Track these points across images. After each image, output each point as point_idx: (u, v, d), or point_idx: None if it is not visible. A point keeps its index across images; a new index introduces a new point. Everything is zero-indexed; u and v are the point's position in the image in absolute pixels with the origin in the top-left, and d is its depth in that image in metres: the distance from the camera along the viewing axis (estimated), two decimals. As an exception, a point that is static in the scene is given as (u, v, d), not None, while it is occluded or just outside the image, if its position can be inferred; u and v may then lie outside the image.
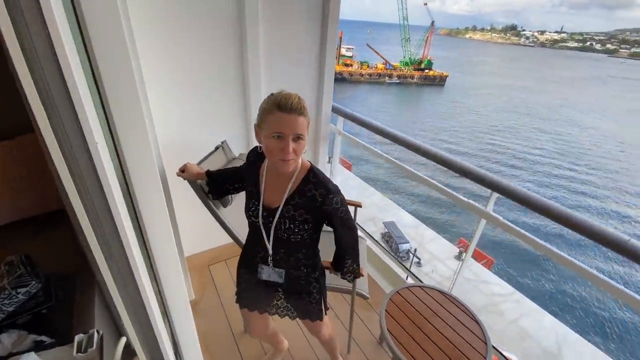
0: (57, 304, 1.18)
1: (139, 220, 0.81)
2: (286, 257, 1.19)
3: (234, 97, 2.12)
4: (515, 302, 7.97)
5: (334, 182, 1.12)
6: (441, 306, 1.71)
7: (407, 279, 2.68)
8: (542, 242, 1.61)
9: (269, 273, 1.22)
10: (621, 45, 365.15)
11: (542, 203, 1.51)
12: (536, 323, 7.37)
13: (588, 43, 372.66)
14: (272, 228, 1.12)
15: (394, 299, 1.73)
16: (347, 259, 1.25)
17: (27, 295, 1.14)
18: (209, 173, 1.41)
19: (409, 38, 51.04)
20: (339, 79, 46.58)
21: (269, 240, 1.15)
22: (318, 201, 1.07)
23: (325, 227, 1.20)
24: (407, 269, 2.62)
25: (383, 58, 53.97)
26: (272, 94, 1.01)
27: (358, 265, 1.29)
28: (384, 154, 2.55)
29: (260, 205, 1.13)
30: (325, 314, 1.38)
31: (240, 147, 2.26)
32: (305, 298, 1.29)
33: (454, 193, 2.03)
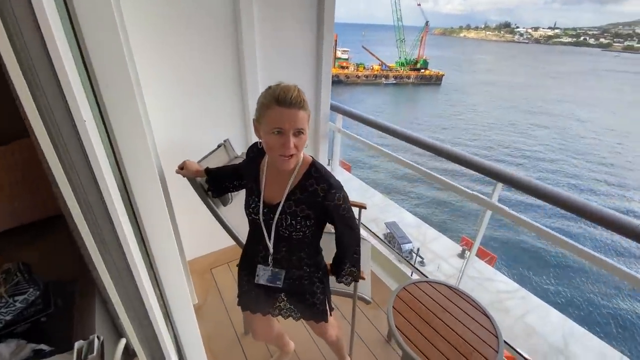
0: (57, 312, 1.15)
1: (137, 220, 0.78)
2: (288, 255, 1.15)
3: (232, 97, 2.10)
4: (521, 298, 7.92)
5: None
6: (450, 301, 1.68)
7: (412, 275, 2.65)
8: (547, 229, 1.59)
9: (266, 276, 1.18)
10: (614, 39, 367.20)
11: (549, 191, 1.49)
12: (542, 319, 7.32)
13: (582, 38, 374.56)
14: (274, 225, 1.08)
15: (401, 295, 1.70)
16: (345, 262, 1.21)
17: (25, 303, 1.11)
18: (208, 170, 1.38)
19: (403, 39, 51.27)
20: (336, 81, 46.73)
21: (269, 238, 1.11)
22: (320, 196, 1.04)
23: (327, 229, 1.17)
24: (411, 265, 2.60)
25: (379, 59, 54.20)
26: (269, 87, 0.98)
27: (358, 268, 1.25)
28: (383, 149, 2.53)
29: (261, 202, 1.10)
30: (331, 314, 1.34)
31: (239, 147, 2.23)
32: (309, 299, 1.24)
33: (458, 185, 2.00)
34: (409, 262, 2.61)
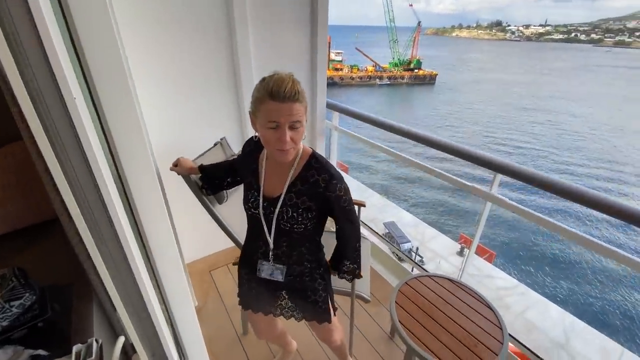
0: (54, 316, 1.13)
1: (134, 214, 0.77)
2: (289, 251, 1.13)
3: (228, 96, 2.09)
4: (520, 294, 7.91)
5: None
6: (452, 294, 1.67)
7: (412, 270, 2.64)
8: (548, 218, 1.58)
9: (269, 270, 1.16)
10: (605, 35, 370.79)
11: (549, 180, 1.49)
12: (542, 315, 7.32)
13: (573, 34, 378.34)
14: (274, 219, 1.06)
15: (403, 290, 1.68)
16: (346, 258, 1.20)
17: (21, 308, 1.08)
18: (202, 167, 1.36)
19: (396, 39, 51.58)
20: (330, 83, 46.84)
21: (270, 232, 1.09)
22: (321, 187, 1.02)
23: (327, 227, 1.15)
24: (412, 260, 2.59)
25: (372, 60, 54.47)
26: (263, 79, 0.96)
27: (359, 266, 1.23)
28: (382, 145, 2.52)
29: (261, 196, 1.08)
30: (334, 314, 1.31)
31: (235, 147, 2.22)
32: (310, 297, 1.22)
33: (458, 179, 2.00)
34: (409, 257, 2.59)
